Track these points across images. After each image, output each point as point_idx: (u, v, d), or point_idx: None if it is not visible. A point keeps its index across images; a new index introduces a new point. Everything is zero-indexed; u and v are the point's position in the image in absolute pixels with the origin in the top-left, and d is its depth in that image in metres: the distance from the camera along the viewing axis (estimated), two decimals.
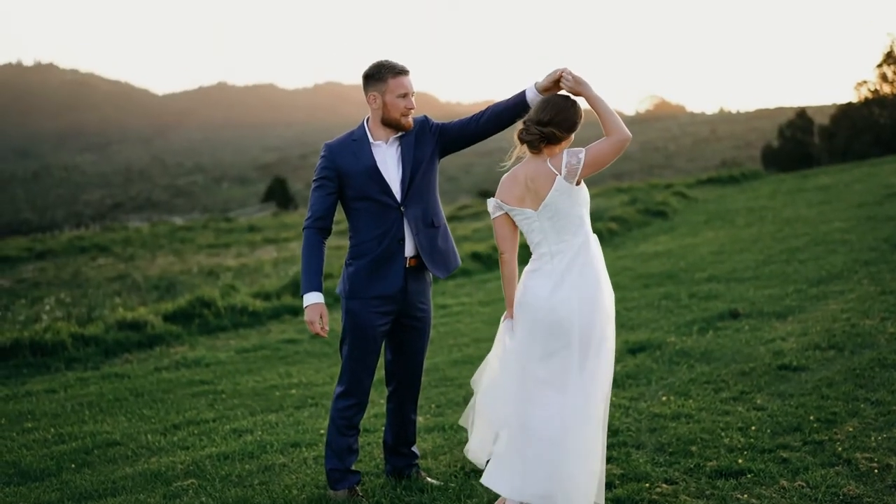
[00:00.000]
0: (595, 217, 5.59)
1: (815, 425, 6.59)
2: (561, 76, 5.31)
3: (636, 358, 9.34)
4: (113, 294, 18.20)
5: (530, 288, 5.22)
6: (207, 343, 12.46)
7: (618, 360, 9.31)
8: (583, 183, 5.19)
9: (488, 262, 18.86)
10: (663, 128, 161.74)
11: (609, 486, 5.74)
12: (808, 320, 10.20)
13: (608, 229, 22.31)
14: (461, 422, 5.70)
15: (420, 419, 7.72)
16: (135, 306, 14.53)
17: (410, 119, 5.73)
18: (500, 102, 5.77)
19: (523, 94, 5.62)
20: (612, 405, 7.57)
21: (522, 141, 5.21)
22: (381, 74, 5.64)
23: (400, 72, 5.65)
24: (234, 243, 32.32)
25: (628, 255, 18.09)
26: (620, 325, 11.25)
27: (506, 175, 5.32)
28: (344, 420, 5.84)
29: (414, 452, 6.22)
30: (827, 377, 7.79)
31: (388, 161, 5.72)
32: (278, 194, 75.80)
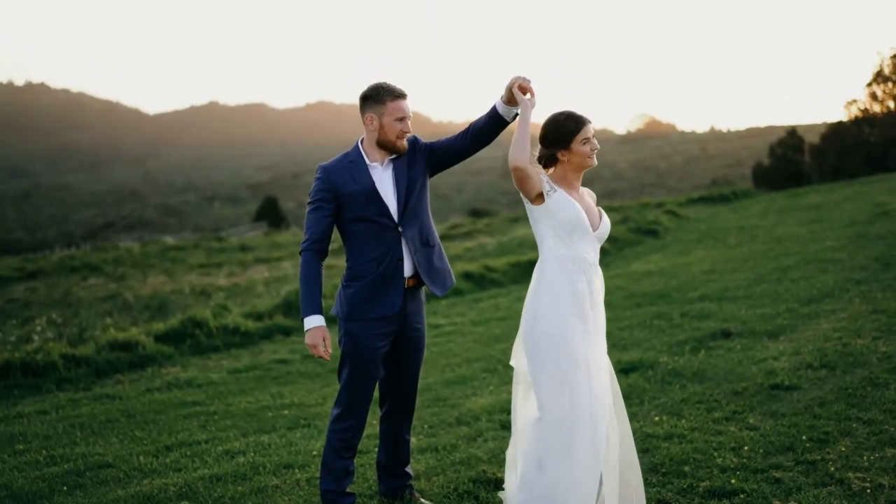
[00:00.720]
0: None
1: (807, 445, 6.60)
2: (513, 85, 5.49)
3: (628, 378, 9.34)
4: (104, 314, 18.14)
5: None
6: (199, 363, 12.43)
7: None
8: (549, 204, 5.27)
9: (481, 281, 18.88)
10: (654, 146, 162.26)
11: None
12: (799, 339, 10.21)
13: (600, 248, 22.30)
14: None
15: (413, 440, 7.71)
16: (126, 326, 14.48)
17: (405, 142, 5.75)
18: (479, 119, 5.82)
19: (494, 107, 5.71)
20: None
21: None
22: (379, 97, 5.66)
23: (399, 95, 5.68)
24: (225, 263, 32.27)
25: (620, 275, 18.11)
26: (612, 344, 11.27)
27: None
28: (342, 442, 5.82)
29: (408, 473, 6.21)
30: (819, 397, 7.80)
31: (385, 182, 5.73)
32: (270, 214, 75.70)
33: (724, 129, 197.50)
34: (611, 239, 23.67)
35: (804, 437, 6.76)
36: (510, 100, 5.55)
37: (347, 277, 5.78)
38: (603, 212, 5.55)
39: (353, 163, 5.73)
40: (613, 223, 27.38)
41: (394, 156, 5.78)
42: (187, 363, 12.46)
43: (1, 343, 13.99)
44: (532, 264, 18.98)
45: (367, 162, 5.73)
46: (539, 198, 5.22)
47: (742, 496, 5.75)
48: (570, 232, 5.30)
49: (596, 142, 5.34)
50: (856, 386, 7.96)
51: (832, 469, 6.06)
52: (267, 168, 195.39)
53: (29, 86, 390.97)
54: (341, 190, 5.66)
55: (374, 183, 5.68)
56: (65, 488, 7.05)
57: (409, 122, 5.71)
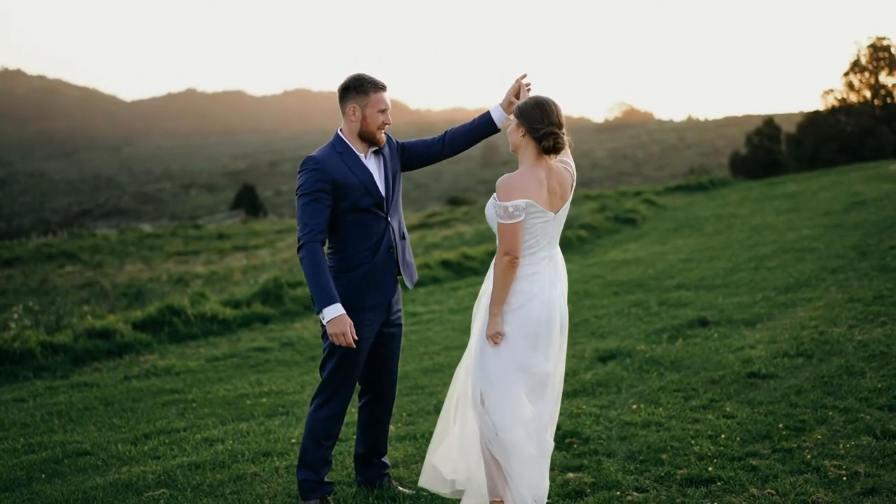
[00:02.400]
0: (565, 224, 5.80)
1: (784, 433, 6.64)
2: (519, 87, 5.69)
3: (606, 366, 9.37)
4: (81, 302, 18.09)
5: (535, 293, 5.26)
6: (177, 351, 12.40)
7: (588, 368, 9.38)
8: None
9: (459, 269, 18.87)
10: (632, 135, 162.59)
11: (580, 494, 5.78)
12: (776, 328, 10.27)
13: (578, 237, 22.37)
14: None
15: (391, 428, 7.73)
16: (103, 314, 14.40)
17: (384, 134, 5.78)
18: (464, 125, 5.99)
19: (489, 114, 5.88)
20: (583, 413, 7.63)
21: (559, 149, 5.25)
22: (363, 88, 5.67)
23: (381, 87, 5.72)
24: (203, 250, 32.24)
25: (598, 263, 18.13)
26: (591, 332, 11.32)
27: (517, 178, 5.18)
28: (324, 431, 5.82)
29: (385, 463, 6.23)
30: (796, 385, 7.85)
31: (375, 173, 5.75)
32: (247, 201, 75.58)
33: (702, 118, 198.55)
34: (588, 227, 23.73)
35: (781, 426, 6.80)
36: (511, 103, 5.73)
37: (338, 269, 5.73)
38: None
39: (342, 154, 5.71)
40: (591, 211, 27.44)
41: (374, 148, 5.80)
42: (165, 351, 12.43)
43: None
44: None
45: (356, 153, 5.73)
46: None
47: (719, 484, 5.79)
48: None
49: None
50: (832, 374, 8.02)
51: (808, 457, 6.10)
52: (244, 156, 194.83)
53: (5, 72, 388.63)
54: (340, 181, 5.61)
55: (371, 174, 5.71)
56: (43, 476, 7.03)
57: (389, 114, 5.74)
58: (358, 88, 5.68)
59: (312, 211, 5.57)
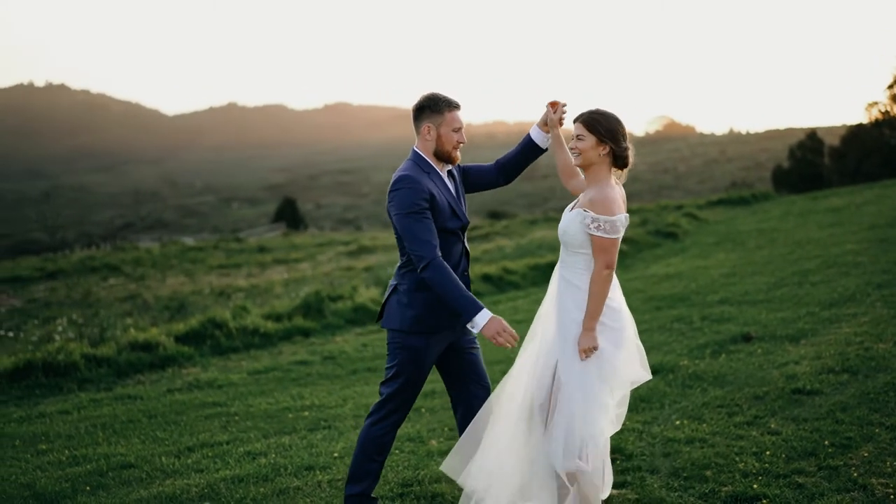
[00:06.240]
0: None
1: (829, 450, 6.58)
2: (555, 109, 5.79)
3: (649, 381, 9.31)
4: (124, 314, 18.22)
5: (621, 305, 5.60)
6: (219, 364, 12.45)
7: None
8: None
9: (499, 283, 18.85)
10: (673, 148, 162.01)
11: None
12: (821, 343, 10.17)
13: (619, 250, 22.27)
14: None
15: (433, 443, 7.73)
16: (146, 327, 14.50)
17: (459, 152, 5.74)
18: (511, 151, 6.01)
19: (529, 137, 5.89)
20: (626, 429, 7.58)
21: (627, 165, 5.50)
22: (438, 107, 5.64)
23: (456, 106, 5.69)
24: (244, 264, 32.39)
25: (639, 277, 18.07)
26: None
27: (613, 193, 5.36)
28: (378, 446, 5.80)
29: None
30: (841, 401, 7.77)
31: (455, 194, 5.78)
32: (288, 215, 75.94)
33: (744, 132, 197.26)
34: (629, 241, 23.57)
35: (826, 443, 6.74)
36: (545, 123, 5.79)
37: (414, 287, 5.65)
38: (573, 210, 5.47)
39: (429, 174, 5.63)
40: (632, 225, 27.30)
41: (448, 167, 5.79)
42: (207, 364, 12.49)
43: (22, 343, 14.06)
44: (550, 266, 18.82)
45: (440, 173, 5.72)
46: None
47: (764, 501, 5.74)
48: None
49: (577, 143, 5.40)
50: (878, 391, 7.93)
51: (855, 475, 6.04)
52: (285, 169, 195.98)
53: (49, 87, 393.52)
54: (435, 199, 5.54)
55: (455, 194, 5.72)
56: (88, 488, 7.08)
57: (463, 132, 5.72)
58: (433, 108, 5.65)
59: (425, 227, 5.44)
